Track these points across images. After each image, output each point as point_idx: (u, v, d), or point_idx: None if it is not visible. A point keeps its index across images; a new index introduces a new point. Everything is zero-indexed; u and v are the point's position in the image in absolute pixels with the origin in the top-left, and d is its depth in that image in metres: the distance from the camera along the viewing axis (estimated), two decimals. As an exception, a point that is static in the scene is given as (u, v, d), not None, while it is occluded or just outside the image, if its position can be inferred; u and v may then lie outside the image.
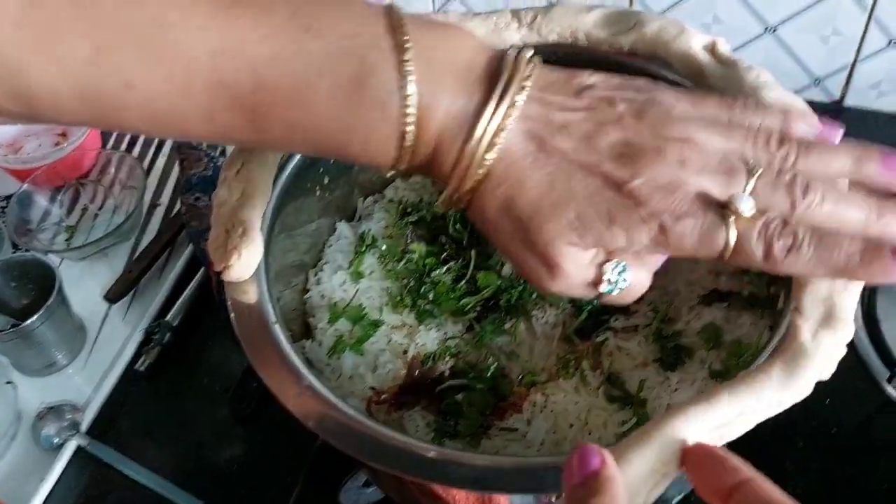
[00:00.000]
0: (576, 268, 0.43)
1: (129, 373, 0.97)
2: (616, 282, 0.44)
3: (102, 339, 1.01)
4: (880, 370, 0.82)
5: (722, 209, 0.42)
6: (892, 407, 0.80)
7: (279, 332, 0.56)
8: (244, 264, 0.57)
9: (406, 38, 0.41)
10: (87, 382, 0.97)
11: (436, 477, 0.48)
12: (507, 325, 0.67)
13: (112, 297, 1.03)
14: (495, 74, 0.43)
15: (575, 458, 0.39)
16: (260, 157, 0.62)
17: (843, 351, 0.50)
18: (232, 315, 0.57)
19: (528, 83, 0.43)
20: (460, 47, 0.44)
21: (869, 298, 0.87)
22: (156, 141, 1.22)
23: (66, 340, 0.98)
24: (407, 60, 0.41)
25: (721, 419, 0.46)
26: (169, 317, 1.00)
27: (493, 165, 0.42)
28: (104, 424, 0.93)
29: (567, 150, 0.42)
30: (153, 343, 0.98)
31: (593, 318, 0.66)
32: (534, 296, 0.67)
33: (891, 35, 1.03)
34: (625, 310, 0.67)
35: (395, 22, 0.42)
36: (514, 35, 0.70)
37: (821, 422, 0.80)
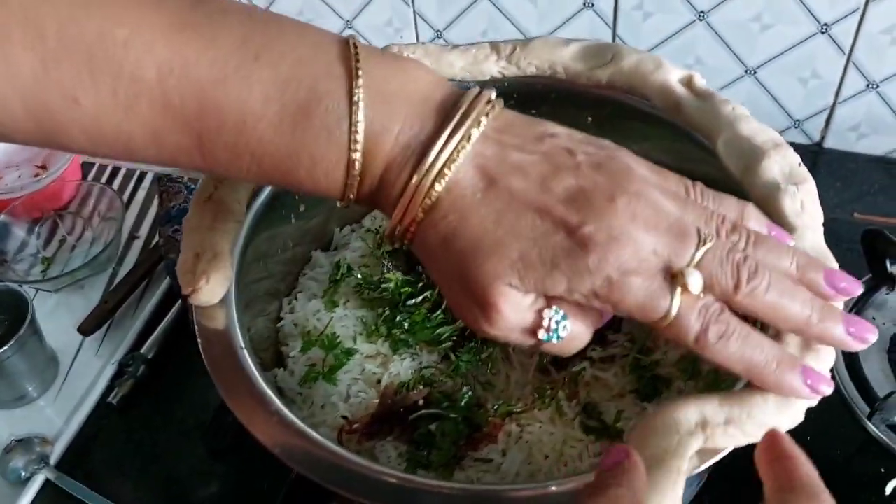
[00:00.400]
0: (514, 311, 0.42)
1: (101, 405, 0.95)
2: (555, 330, 0.43)
3: (75, 372, 0.99)
4: (861, 407, 0.81)
5: (672, 278, 0.42)
6: (873, 445, 0.79)
7: (247, 357, 0.55)
8: (212, 289, 0.57)
9: (359, 66, 0.41)
10: (59, 415, 0.95)
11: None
12: (483, 355, 0.66)
13: (86, 329, 1.02)
14: (452, 108, 0.43)
15: (606, 452, 0.40)
16: (233, 182, 0.62)
17: (826, 374, 0.50)
18: (199, 341, 0.56)
19: (485, 119, 0.43)
20: (417, 79, 0.44)
21: (849, 335, 0.86)
22: (136, 173, 1.21)
23: (38, 372, 0.96)
24: (358, 87, 0.40)
25: (709, 416, 0.45)
26: (144, 349, 0.99)
27: (441, 197, 0.42)
28: (75, 458, 0.91)
29: (519, 189, 0.42)
30: (127, 375, 0.96)
31: (570, 348, 0.65)
32: (510, 326, 0.66)
33: (869, 78, 1.05)
34: (602, 340, 0.66)
35: (349, 51, 0.42)
36: (492, 67, 0.70)
37: (802, 459, 0.79)
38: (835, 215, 0.92)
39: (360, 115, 0.40)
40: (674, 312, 0.41)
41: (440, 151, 0.41)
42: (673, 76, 0.65)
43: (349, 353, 0.68)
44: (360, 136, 0.41)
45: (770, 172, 0.59)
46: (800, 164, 0.60)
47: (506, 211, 0.41)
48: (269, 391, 0.53)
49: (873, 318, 0.88)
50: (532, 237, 0.41)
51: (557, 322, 0.42)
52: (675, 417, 0.46)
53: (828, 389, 0.46)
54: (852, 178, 1.11)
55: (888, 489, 0.76)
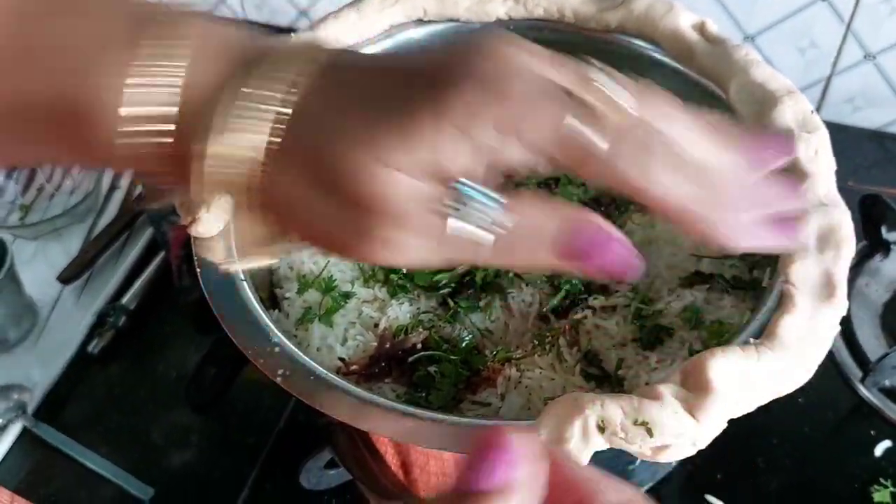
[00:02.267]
0: (404, 200, 0.31)
1: (80, 355, 0.93)
2: (472, 211, 0.31)
3: (54, 321, 0.97)
4: (854, 371, 0.81)
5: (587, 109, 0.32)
6: (865, 408, 0.79)
7: (247, 289, 0.54)
8: (211, 219, 0.55)
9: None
10: (37, 364, 0.92)
11: (409, 435, 0.46)
12: (482, 303, 0.65)
13: (66, 277, 0.99)
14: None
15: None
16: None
17: (837, 328, 0.49)
18: (199, 272, 0.54)
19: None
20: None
21: (843, 300, 0.86)
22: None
23: (16, 320, 0.94)
24: None
25: (740, 369, 0.45)
26: (125, 300, 0.96)
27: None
28: (52, 407, 0.89)
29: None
30: (107, 326, 0.94)
31: (571, 297, 0.64)
32: (510, 274, 0.65)
33: (867, 49, 1.04)
34: (604, 289, 0.65)
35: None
36: (499, 8, 0.69)
37: (794, 421, 0.79)
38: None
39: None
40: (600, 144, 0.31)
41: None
42: (685, 20, 0.64)
43: (346, 296, 0.66)
44: None
45: (783, 119, 0.58)
46: (813, 112, 0.59)
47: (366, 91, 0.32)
48: (269, 322, 0.51)
49: (867, 285, 0.87)
50: (388, 103, 0.31)
51: (474, 197, 0.31)
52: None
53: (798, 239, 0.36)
54: (846, 152, 1.10)
55: (878, 451, 0.77)
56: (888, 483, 0.74)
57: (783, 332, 0.48)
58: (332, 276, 0.67)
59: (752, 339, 0.48)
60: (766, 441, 0.78)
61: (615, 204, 0.70)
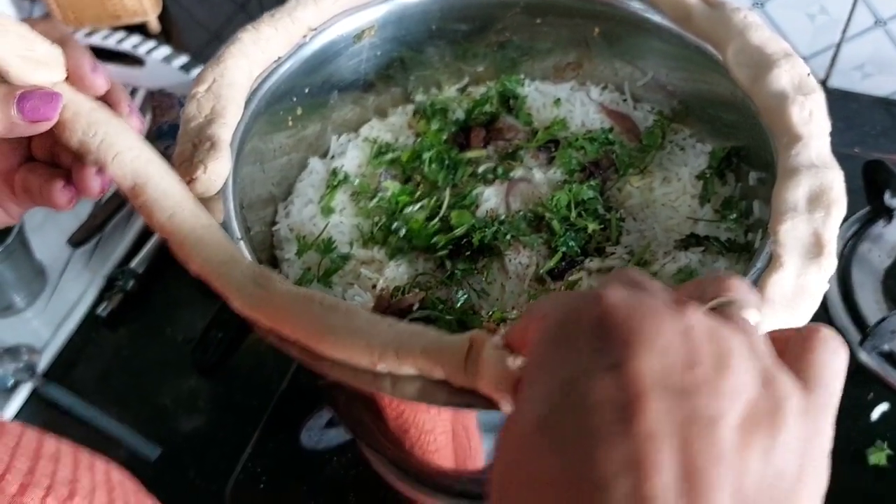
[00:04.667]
0: None
1: (89, 318, 0.95)
2: None
3: (64, 284, 0.98)
4: (853, 335, 0.81)
5: None
6: (863, 371, 0.80)
7: (244, 248, 0.54)
8: (210, 178, 0.55)
9: None
10: (46, 326, 0.94)
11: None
12: (479, 265, 0.65)
13: (76, 241, 1.00)
14: None
15: None
16: (231, 75, 0.61)
17: (826, 286, 0.50)
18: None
19: None
20: None
21: (844, 264, 0.86)
22: (129, 89, 1.19)
23: (26, 283, 0.95)
24: None
25: None
26: (134, 264, 0.98)
27: None
28: (62, 369, 0.91)
29: None
30: (116, 289, 0.96)
31: (567, 260, 0.65)
32: (508, 236, 0.66)
33: (877, 15, 1.03)
34: (600, 251, 0.65)
35: None
36: (497, -29, 0.69)
37: (791, 384, 0.79)
38: (835, 153, 0.92)
39: None
40: None
41: None
42: (684, -17, 0.64)
43: (345, 258, 0.67)
44: None
45: (779, 82, 0.58)
46: (809, 75, 0.59)
47: None
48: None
49: (869, 251, 0.87)
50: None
51: None
52: None
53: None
54: (855, 119, 1.10)
55: (874, 414, 0.77)
56: (884, 446, 0.75)
57: (771, 290, 0.48)
58: (331, 237, 0.67)
59: (740, 299, 0.49)
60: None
61: (614, 167, 0.71)
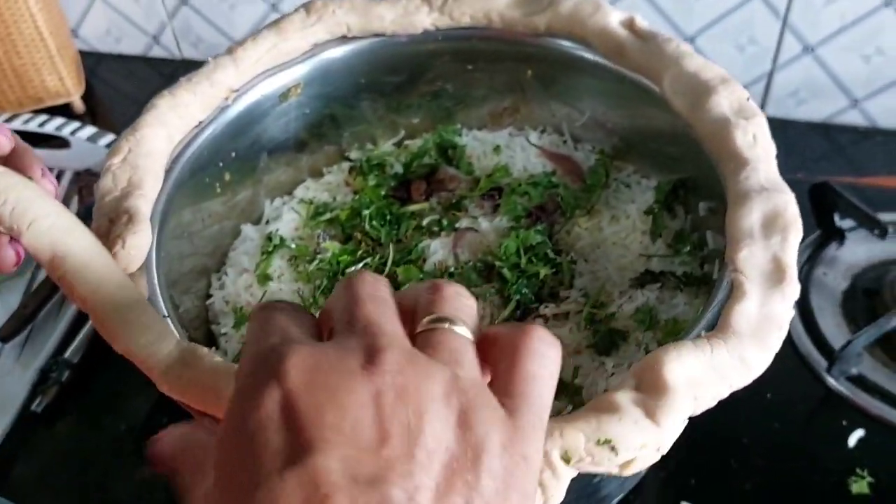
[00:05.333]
0: None
1: (24, 415, 0.88)
2: None
3: (-6, 381, 0.92)
4: (819, 361, 0.79)
5: None
6: (834, 398, 0.78)
7: (171, 326, 0.50)
8: (130, 254, 0.51)
9: None
10: (-23, 426, 0.87)
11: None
12: (430, 320, 0.62)
13: (5, 334, 0.94)
14: None
15: None
16: (147, 144, 0.57)
17: (792, 312, 0.47)
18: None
19: None
20: None
21: (802, 291, 0.85)
22: (55, 171, 1.14)
23: (-47, 382, 0.89)
24: None
25: (695, 364, 0.43)
26: (68, 354, 0.92)
27: None
28: (-4, 472, 0.84)
29: None
30: (50, 381, 0.90)
31: (521, 307, 0.62)
32: (457, 290, 0.63)
33: (805, 41, 1.04)
34: (554, 296, 0.62)
35: None
36: (424, 19, 0.67)
37: (763, 417, 0.77)
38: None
39: None
40: None
41: None
42: (613, 18, 0.63)
43: (286, 327, 0.63)
44: None
45: (719, 108, 0.57)
46: (748, 99, 0.58)
47: None
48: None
49: (824, 274, 0.86)
50: None
51: None
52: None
53: None
54: (794, 146, 1.10)
55: (851, 441, 0.75)
56: (864, 473, 0.72)
57: (735, 321, 0.46)
58: (271, 307, 0.64)
59: (703, 333, 0.46)
60: (736, 441, 0.75)
61: (561, 210, 0.68)
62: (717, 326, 0.47)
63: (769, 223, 0.50)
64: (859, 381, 0.78)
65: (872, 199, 0.89)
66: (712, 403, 0.45)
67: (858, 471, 0.72)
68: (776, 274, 0.48)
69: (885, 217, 0.86)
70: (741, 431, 0.76)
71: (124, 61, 1.34)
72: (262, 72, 0.66)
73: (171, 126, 0.60)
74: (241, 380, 0.32)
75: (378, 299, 0.35)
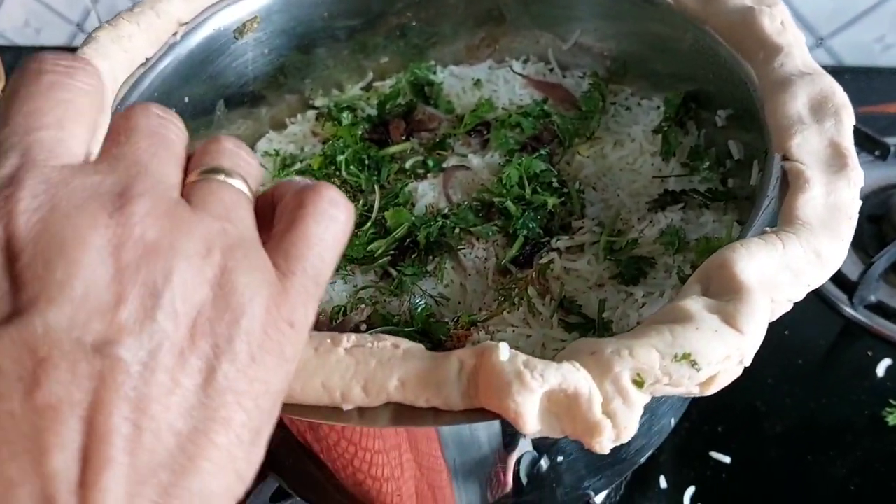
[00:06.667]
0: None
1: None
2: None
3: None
4: (833, 292, 0.74)
5: None
6: (854, 329, 0.73)
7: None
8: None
9: None
10: None
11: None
12: (429, 266, 0.55)
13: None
14: None
15: None
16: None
17: (859, 200, 0.41)
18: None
19: None
20: None
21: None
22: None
23: None
24: None
25: (767, 262, 0.37)
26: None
27: None
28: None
29: None
30: None
31: (530, 243, 0.55)
32: (457, 230, 0.56)
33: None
34: (566, 228, 0.56)
35: None
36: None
37: (785, 355, 0.71)
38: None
39: None
40: None
41: None
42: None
43: (265, 286, 0.55)
44: None
45: (737, -6, 0.51)
46: (765, -15, 0.52)
47: None
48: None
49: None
50: None
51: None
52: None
53: None
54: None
55: (880, 371, 0.70)
56: (898, 403, 0.67)
57: (803, 212, 0.40)
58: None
59: (768, 229, 0.40)
60: (760, 382, 0.70)
61: (558, 139, 0.62)
62: (781, 221, 0.40)
63: (818, 107, 0.44)
64: (878, 309, 0.73)
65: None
66: (788, 307, 0.39)
67: (892, 401, 0.67)
68: (836, 159, 0.42)
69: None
70: (765, 372, 0.70)
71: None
72: (214, 2, 0.58)
73: (113, 59, 0.51)
74: None
75: (158, 137, 0.31)
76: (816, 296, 0.74)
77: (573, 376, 0.34)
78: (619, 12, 0.62)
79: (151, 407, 0.27)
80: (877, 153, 0.80)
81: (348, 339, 0.38)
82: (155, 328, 0.27)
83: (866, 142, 0.80)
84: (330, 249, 0.32)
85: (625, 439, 0.34)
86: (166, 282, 0.28)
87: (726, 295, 0.37)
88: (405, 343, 0.38)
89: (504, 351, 0.35)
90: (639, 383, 0.34)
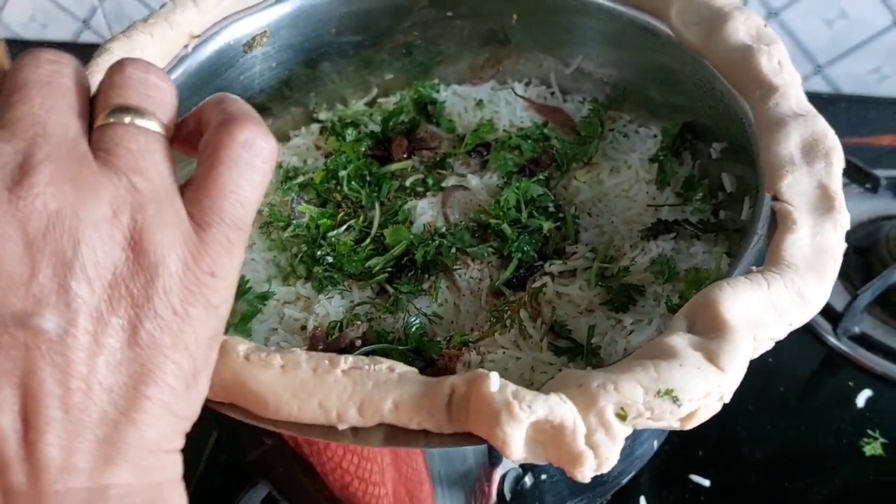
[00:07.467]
0: None
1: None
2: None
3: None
4: (818, 322, 0.76)
5: None
6: (836, 359, 0.74)
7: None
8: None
9: None
10: None
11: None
12: (425, 285, 0.56)
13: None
14: None
15: None
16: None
17: (844, 243, 0.43)
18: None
19: None
20: None
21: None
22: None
23: None
24: None
25: (752, 301, 0.38)
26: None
27: None
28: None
29: None
30: None
31: (524, 266, 0.56)
32: (453, 250, 0.57)
33: (769, 6, 1.01)
34: (559, 253, 0.57)
35: None
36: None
37: (767, 382, 0.73)
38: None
39: None
40: None
41: None
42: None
43: (264, 297, 0.56)
44: None
45: (736, 35, 0.52)
46: (765, 25, 0.53)
47: None
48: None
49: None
50: None
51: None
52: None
53: None
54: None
55: (860, 401, 0.71)
56: (876, 434, 0.69)
57: (789, 253, 0.41)
58: (243, 276, 0.57)
59: (754, 268, 0.41)
60: (741, 408, 0.71)
61: (556, 163, 0.63)
62: (767, 260, 0.42)
63: (810, 149, 0.46)
64: (862, 341, 0.75)
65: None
66: (770, 346, 0.40)
67: (870, 431, 0.69)
68: (824, 202, 0.44)
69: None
70: (746, 399, 0.72)
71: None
72: (225, 16, 0.59)
73: (125, 71, 0.52)
74: None
75: (52, 87, 0.31)
76: (803, 327, 0.76)
77: (559, 409, 0.35)
78: (622, 40, 0.63)
79: (78, 368, 0.29)
80: (867, 185, 0.81)
81: (345, 361, 0.39)
82: (70, 296, 0.28)
83: (857, 174, 0.82)
84: (248, 195, 0.32)
85: (605, 469, 0.36)
86: (75, 250, 0.29)
87: (711, 333, 0.38)
88: (400, 367, 0.39)
89: (495, 381, 0.36)
90: (622, 416, 0.36)
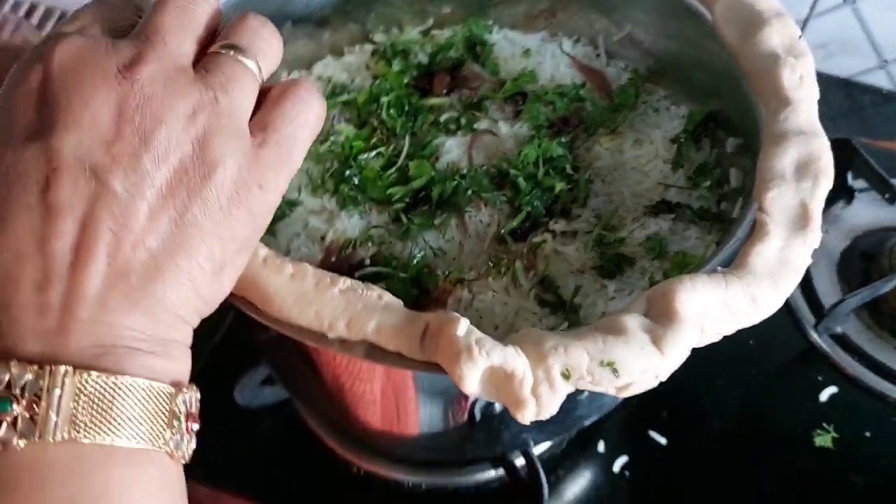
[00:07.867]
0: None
1: None
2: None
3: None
4: (807, 316, 0.80)
5: None
6: (814, 353, 0.79)
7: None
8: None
9: None
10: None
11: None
12: (437, 221, 0.61)
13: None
14: None
15: None
16: None
17: (809, 259, 0.47)
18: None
19: None
20: None
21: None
22: (58, 13, 1.10)
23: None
24: None
25: (708, 297, 0.43)
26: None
27: None
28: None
29: None
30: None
31: (531, 220, 0.61)
32: (469, 192, 0.61)
33: None
34: (566, 213, 0.61)
35: None
36: None
37: (742, 362, 0.78)
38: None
39: None
40: None
41: None
42: None
43: (291, 204, 0.61)
44: None
45: (769, 42, 0.55)
46: (800, 37, 0.56)
47: None
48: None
49: (826, 231, 0.86)
50: None
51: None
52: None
53: None
54: (813, 98, 1.09)
55: (823, 396, 0.76)
56: (830, 428, 0.74)
57: (753, 260, 0.45)
58: (277, 181, 0.62)
59: (720, 268, 0.46)
60: (712, 382, 0.77)
61: (584, 125, 0.67)
62: (733, 264, 0.46)
63: (802, 167, 0.49)
64: (841, 341, 0.79)
65: (883, 164, 0.88)
66: (716, 339, 0.45)
67: (825, 425, 0.74)
68: (801, 219, 0.47)
69: (897, 183, 0.86)
70: (718, 374, 0.77)
71: None
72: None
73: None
74: (24, 56, 0.37)
75: (186, 11, 0.38)
76: (789, 315, 0.80)
77: (513, 360, 0.41)
78: (674, 17, 0.65)
79: (131, 224, 0.35)
80: (886, 196, 0.84)
81: (344, 282, 0.45)
82: (141, 165, 0.35)
83: (879, 184, 0.84)
84: (303, 129, 0.39)
85: (545, 416, 0.42)
86: (155, 131, 0.35)
87: (662, 319, 0.43)
88: (388, 296, 0.45)
89: (463, 326, 0.42)
90: (566, 376, 0.41)
